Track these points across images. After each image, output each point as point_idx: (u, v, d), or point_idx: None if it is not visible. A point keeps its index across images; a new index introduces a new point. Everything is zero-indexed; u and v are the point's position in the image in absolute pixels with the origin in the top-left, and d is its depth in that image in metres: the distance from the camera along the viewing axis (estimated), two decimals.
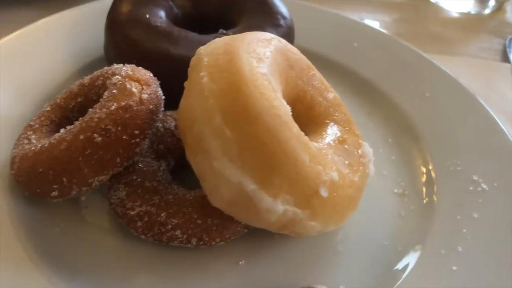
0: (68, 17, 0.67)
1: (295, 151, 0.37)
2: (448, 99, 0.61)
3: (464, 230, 0.47)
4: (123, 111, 0.41)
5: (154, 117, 0.44)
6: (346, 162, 0.44)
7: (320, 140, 0.45)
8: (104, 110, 0.41)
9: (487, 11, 0.92)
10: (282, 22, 0.59)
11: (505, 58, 0.80)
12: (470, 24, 0.88)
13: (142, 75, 0.45)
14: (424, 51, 0.68)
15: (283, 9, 0.61)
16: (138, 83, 0.43)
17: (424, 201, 0.52)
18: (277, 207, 0.37)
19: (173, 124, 0.49)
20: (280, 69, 0.45)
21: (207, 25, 0.60)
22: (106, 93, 0.43)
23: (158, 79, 0.47)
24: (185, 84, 0.43)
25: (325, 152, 0.42)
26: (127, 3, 0.57)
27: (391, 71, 0.66)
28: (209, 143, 0.37)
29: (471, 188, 0.51)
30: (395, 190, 0.54)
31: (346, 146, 0.46)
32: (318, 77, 0.51)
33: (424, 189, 0.53)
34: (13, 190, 0.46)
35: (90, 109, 0.43)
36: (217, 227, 0.43)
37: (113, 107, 0.41)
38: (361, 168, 0.46)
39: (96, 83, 0.47)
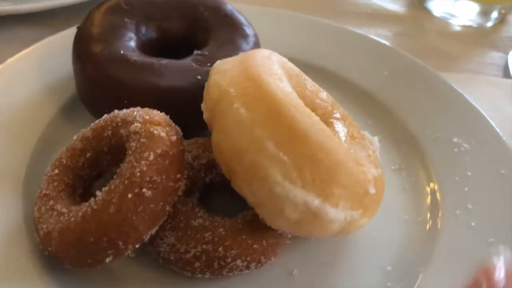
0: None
1: (344, 159, 0.40)
2: (408, 75, 0.67)
3: (466, 189, 0.54)
4: (162, 159, 0.40)
5: (184, 156, 0.43)
6: (365, 154, 0.48)
7: None
8: (143, 162, 0.40)
9: (489, 23, 0.92)
10: (248, 31, 0.60)
11: (508, 74, 0.79)
12: (471, 37, 0.88)
13: (160, 117, 0.44)
14: None
15: (243, 19, 0.62)
16: (160, 126, 0.43)
17: (421, 170, 0.58)
18: (339, 215, 0.40)
19: (189, 156, 0.48)
20: (288, 81, 0.46)
21: (174, 48, 0.59)
22: (133, 144, 0.41)
23: None
24: (210, 118, 0.43)
25: (354, 151, 0.45)
26: (95, 41, 0.54)
27: (350, 59, 0.70)
28: (266, 171, 0.38)
29: (456, 150, 0.58)
30: (392, 167, 0.59)
31: (357, 140, 0.50)
32: (309, 81, 0.53)
33: (417, 160, 0.59)
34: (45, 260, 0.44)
35: (121, 164, 0.41)
36: (271, 247, 0.44)
37: (151, 157, 0.40)
38: (376, 156, 0.49)
39: (104, 134, 0.45)
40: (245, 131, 0.39)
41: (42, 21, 0.80)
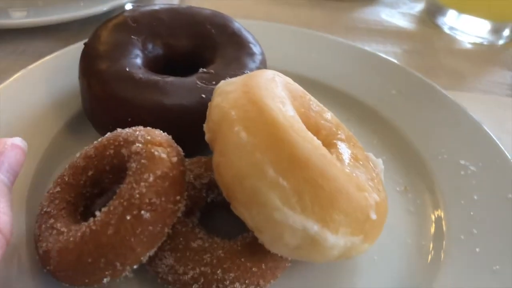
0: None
1: (345, 186, 0.40)
2: (416, 94, 0.67)
3: (472, 213, 0.53)
4: (161, 181, 0.40)
5: (185, 177, 0.43)
6: (369, 177, 0.47)
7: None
8: (142, 183, 0.39)
9: (501, 41, 0.90)
10: (255, 50, 0.60)
11: None
12: (482, 56, 0.87)
13: (162, 138, 0.44)
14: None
15: (250, 37, 0.62)
16: (162, 147, 0.42)
17: (426, 193, 0.57)
18: (339, 241, 0.40)
19: (191, 175, 0.48)
20: (291, 104, 0.46)
21: (180, 65, 0.60)
22: (134, 165, 0.41)
23: None
24: (211, 139, 0.43)
25: (356, 175, 0.44)
26: (101, 58, 0.54)
27: (358, 77, 0.70)
28: (266, 196, 0.38)
29: (462, 172, 0.57)
30: (397, 189, 0.58)
31: (360, 162, 0.49)
32: (314, 101, 0.53)
33: (423, 183, 0.58)
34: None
35: (120, 185, 0.41)
36: (270, 270, 0.44)
37: (150, 179, 0.40)
38: (379, 179, 0.49)
39: (107, 153, 0.45)
40: (245, 156, 0.39)
41: (55, 34, 0.81)
